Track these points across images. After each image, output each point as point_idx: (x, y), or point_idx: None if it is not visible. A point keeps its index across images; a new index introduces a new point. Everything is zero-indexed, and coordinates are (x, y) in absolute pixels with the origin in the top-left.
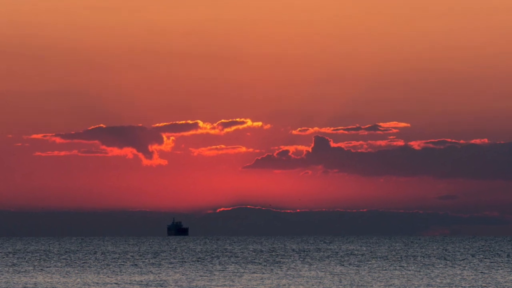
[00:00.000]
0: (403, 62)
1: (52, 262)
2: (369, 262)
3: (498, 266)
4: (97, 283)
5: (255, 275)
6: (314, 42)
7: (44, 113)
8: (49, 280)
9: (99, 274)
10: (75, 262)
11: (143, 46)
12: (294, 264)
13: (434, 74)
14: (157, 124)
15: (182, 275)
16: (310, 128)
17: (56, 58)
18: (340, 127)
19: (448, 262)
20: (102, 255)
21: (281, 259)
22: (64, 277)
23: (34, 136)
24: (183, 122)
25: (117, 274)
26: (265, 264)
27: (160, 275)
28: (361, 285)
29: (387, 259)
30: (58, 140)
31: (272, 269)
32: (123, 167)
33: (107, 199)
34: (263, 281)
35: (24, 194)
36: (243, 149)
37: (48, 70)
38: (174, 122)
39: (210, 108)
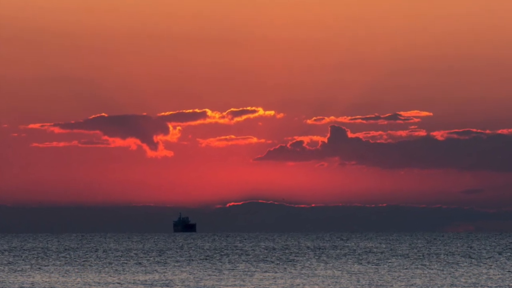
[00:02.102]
0: (425, 46)
1: (50, 260)
2: (389, 261)
3: None
4: (99, 282)
5: (267, 274)
6: (330, 25)
7: (42, 101)
8: (47, 280)
9: (100, 273)
10: (75, 261)
11: (147, 29)
12: (309, 262)
13: (458, 59)
14: (163, 113)
15: (189, 274)
16: (325, 117)
17: (54, 42)
18: (358, 116)
19: (473, 260)
20: (104, 253)
21: (295, 257)
22: (63, 276)
23: (31, 126)
24: (190, 110)
25: (120, 273)
26: (278, 262)
27: (165, 274)
28: (381, 284)
29: (408, 257)
30: (56, 130)
31: (285, 268)
32: (126, 159)
33: (109, 193)
34: (275, 281)
35: (21, 188)
36: (254, 139)
37: (46, 55)
38: (180, 111)
39: (219, 96)
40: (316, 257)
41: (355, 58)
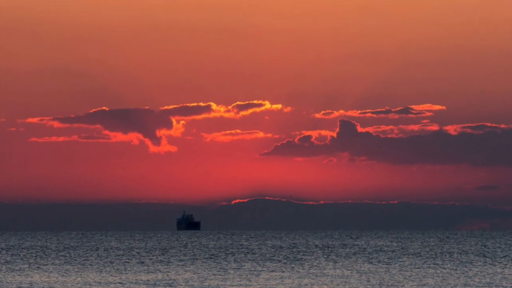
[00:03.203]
0: (438, 37)
1: (49, 259)
2: (400, 260)
3: None
4: (99, 282)
5: (274, 273)
6: (339, 16)
7: (40, 95)
8: (46, 280)
9: (101, 273)
10: (75, 260)
11: (149, 20)
12: (317, 261)
13: (473, 51)
14: (166, 107)
15: (193, 274)
16: (334, 111)
17: (54, 33)
18: (368, 110)
19: (487, 259)
20: (105, 252)
21: (303, 256)
22: (63, 276)
23: (30, 120)
24: (195, 104)
25: (122, 273)
26: (285, 261)
27: (169, 273)
28: (392, 284)
29: (420, 256)
30: (56, 124)
31: (293, 267)
32: (128, 155)
33: (111, 190)
34: (283, 281)
35: (19, 185)
36: (261, 134)
37: (45, 46)
38: (184, 105)
39: (224, 89)
40: (325, 256)
41: (366, 50)
